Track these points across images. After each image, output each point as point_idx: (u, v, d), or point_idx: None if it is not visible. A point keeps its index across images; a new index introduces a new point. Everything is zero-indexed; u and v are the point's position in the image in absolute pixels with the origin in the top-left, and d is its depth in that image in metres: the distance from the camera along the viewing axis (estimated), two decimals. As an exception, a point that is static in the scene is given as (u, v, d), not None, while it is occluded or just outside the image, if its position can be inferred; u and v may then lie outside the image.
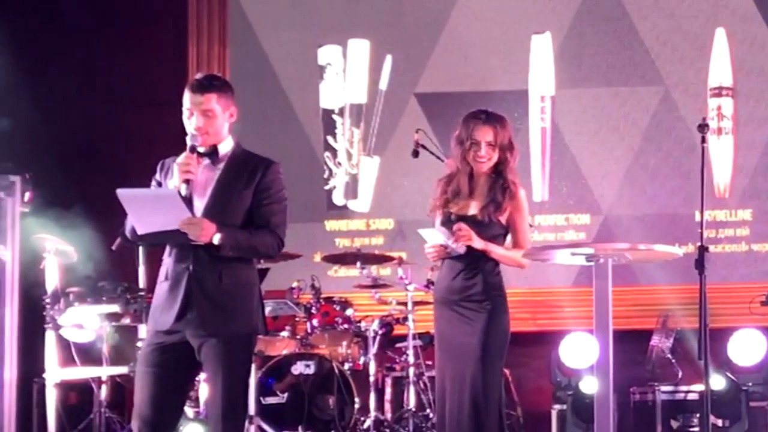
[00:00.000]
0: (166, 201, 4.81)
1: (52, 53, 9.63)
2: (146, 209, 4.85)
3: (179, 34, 9.87)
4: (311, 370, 8.05)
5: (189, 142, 4.92)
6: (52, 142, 9.25)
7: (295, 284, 8.44)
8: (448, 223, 5.70)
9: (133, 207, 4.86)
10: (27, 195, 7.72)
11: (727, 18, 9.47)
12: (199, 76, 5.06)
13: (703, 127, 5.87)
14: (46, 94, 9.47)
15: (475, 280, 5.63)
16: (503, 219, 5.67)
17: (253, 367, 7.37)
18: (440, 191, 5.81)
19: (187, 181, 4.86)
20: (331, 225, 9.75)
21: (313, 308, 8.38)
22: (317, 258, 9.26)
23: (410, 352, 8.22)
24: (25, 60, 9.31)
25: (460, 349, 5.60)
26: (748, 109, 9.44)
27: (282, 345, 8.33)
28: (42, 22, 9.69)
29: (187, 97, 4.95)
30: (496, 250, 5.63)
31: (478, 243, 5.60)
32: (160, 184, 5.02)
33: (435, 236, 5.66)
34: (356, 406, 7.98)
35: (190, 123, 4.94)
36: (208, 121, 4.93)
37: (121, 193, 4.80)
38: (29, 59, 9.41)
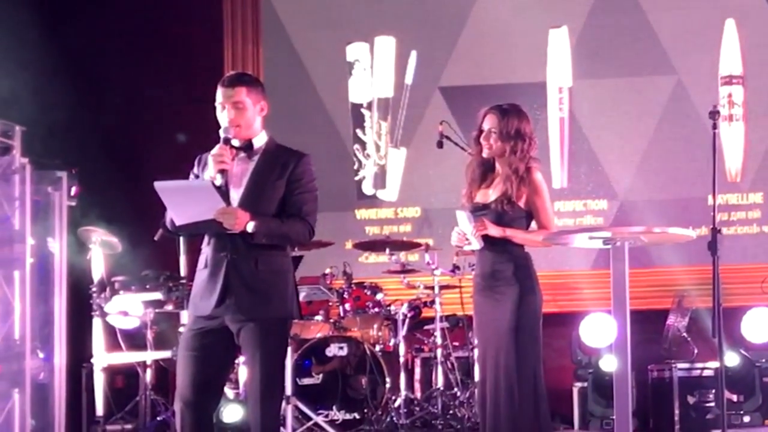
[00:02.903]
0: (201, 192, 4.82)
1: (95, 55, 9.67)
2: (182, 200, 4.85)
3: (215, 35, 9.90)
4: (344, 352, 8.06)
5: (222, 134, 4.95)
6: (96, 138, 9.29)
7: (327, 271, 8.46)
8: (474, 212, 5.70)
9: (170, 198, 4.87)
10: (73, 189, 7.80)
11: (737, 9, 9.42)
12: (229, 73, 5.11)
13: (713, 114, 5.83)
14: (89, 94, 9.51)
15: (505, 266, 5.61)
16: (522, 203, 5.65)
17: (290, 349, 7.39)
18: (468, 179, 5.83)
19: (222, 171, 4.87)
20: (361, 214, 9.76)
21: (345, 293, 8.40)
22: (348, 245, 9.28)
23: (438, 333, 8.22)
24: (69, 61, 9.35)
25: (494, 330, 5.58)
26: (758, 97, 9.38)
27: (316, 328, 8.34)
28: (85, 25, 9.73)
29: (219, 92, 4.98)
30: (515, 235, 5.61)
31: (494, 231, 5.59)
32: (197, 177, 5.04)
33: (466, 222, 5.65)
34: (387, 385, 7.98)
35: (223, 116, 4.97)
36: (239, 113, 4.94)
37: (159, 185, 4.82)
38: (74, 61, 9.45)
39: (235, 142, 4.95)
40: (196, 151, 5.16)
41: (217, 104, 4.98)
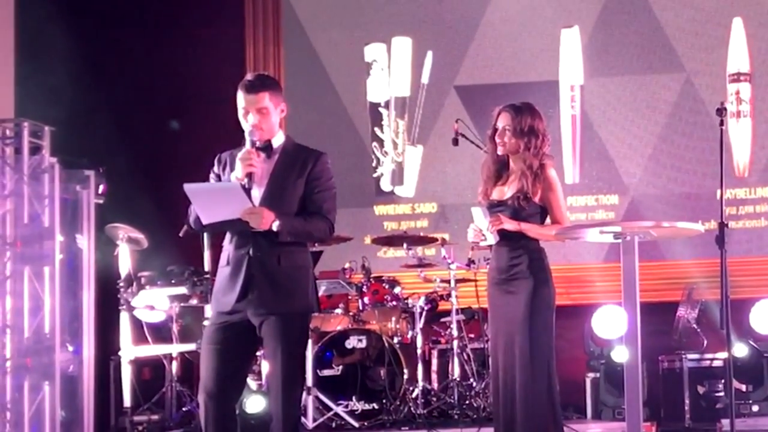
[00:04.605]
0: (229, 193, 4.83)
1: (122, 55, 9.69)
2: (211, 201, 4.87)
3: (237, 36, 9.91)
4: (363, 344, 8.06)
5: (248, 138, 4.94)
6: (122, 138, 9.31)
7: (347, 265, 8.45)
8: (490, 208, 5.70)
9: (199, 199, 4.88)
10: (101, 187, 7.82)
11: (744, 8, 9.38)
12: (250, 77, 5.03)
13: (720, 111, 5.79)
14: (117, 94, 9.54)
15: (520, 259, 5.60)
16: (537, 199, 5.64)
17: (310, 342, 7.39)
18: (483, 177, 5.83)
19: (250, 174, 4.88)
20: (379, 210, 9.76)
21: (364, 287, 8.39)
22: (367, 240, 9.29)
23: (454, 326, 8.22)
24: (96, 63, 9.38)
25: (508, 320, 5.58)
26: (765, 93, 9.34)
27: (336, 321, 8.35)
28: (112, 26, 9.76)
29: (241, 97, 4.96)
30: (530, 229, 5.61)
31: (509, 225, 5.59)
32: (219, 177, 5.04)
33: (481, 217, 5.65)
34: (405, 376, 7.97)
35: (247, 121, 4.96)
36: (263, 118, 4.95)
37: (188, 187, 4.83)
38: (101, 62, 9.48)
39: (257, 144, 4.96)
40: (218, 148, 5.17)
41: (240, 109, 4.96)
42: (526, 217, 5.62)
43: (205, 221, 4.91)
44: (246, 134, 4.95)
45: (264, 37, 9.92)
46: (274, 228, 4.82)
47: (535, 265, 5.60)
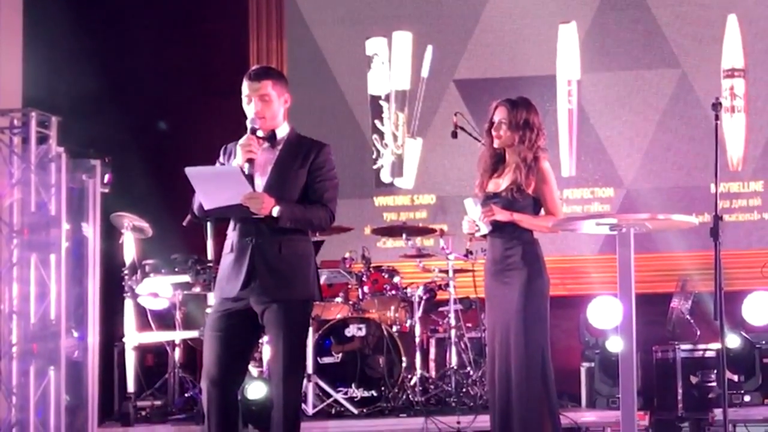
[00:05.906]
0: (230, 177, 4.83)
1: (128, 48, 9.67)
2: (212, 185, 4.86)
3: (241, 30, 9.89)
4: (363, 333, 8.05)
5: (249, 125, 4.95)
6: (128, 129, 9.30)
7: (347, 255, 8.44)
8: (485, 200, 5.70)
9: (200, 183, 4.88)
10: (107, 177, 7.80)
11: (738, 5, 9.38)
12: (255, 67, 5.10)
13: (715, 106, 5.79)
14: (124, 87, 9.52)
15: (513, 250, 5.62)
16: (530, 191, 5.65)
17: (311, 330, 7.39)
18: (480, 170, 5.84)
19: (250, 160, 4.88)
20: (379, 201, 9.75)
21: (364, 276, 8.38)
22: (367, 231, 9.29)
23: (452, 315, 8.21)
24: (103, 56, 9.36)
25: (504, 309, 5.60)
26: (759, 89, 9.35)
27: (336, 310, 8.34)
28: (117, 19, 9.74)
29: (245, 85, 4.99)
30: (522, 219, 5.61)
31: (501, 216, 5.59)
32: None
33: (473, 207, 5.66)
34: (403, 364, 7.96)
35: (250, 108, 4.98)
36: (265, 105, 4.96)
37: (189, 171, 4.83)
38: (107, 55, 9.46)
39: (260, 133, 4.96)
40: (222, 140, 5.17)
41: (244, 96, 4.99)
42: (519, 209, 5.64)
43: (206, 206, 4.91)
44: (248, 121, 4.95)
45: (267, 31, 9.91)
46: (275, 213, 4.82)
47: (528, 255, 5.62)
